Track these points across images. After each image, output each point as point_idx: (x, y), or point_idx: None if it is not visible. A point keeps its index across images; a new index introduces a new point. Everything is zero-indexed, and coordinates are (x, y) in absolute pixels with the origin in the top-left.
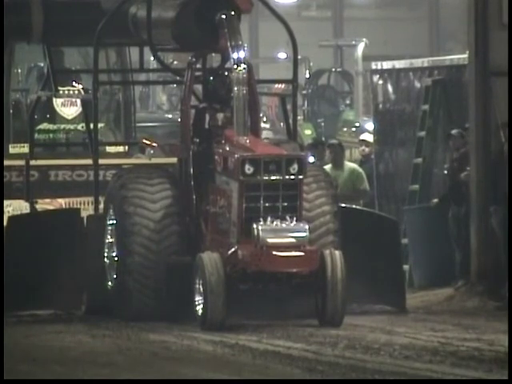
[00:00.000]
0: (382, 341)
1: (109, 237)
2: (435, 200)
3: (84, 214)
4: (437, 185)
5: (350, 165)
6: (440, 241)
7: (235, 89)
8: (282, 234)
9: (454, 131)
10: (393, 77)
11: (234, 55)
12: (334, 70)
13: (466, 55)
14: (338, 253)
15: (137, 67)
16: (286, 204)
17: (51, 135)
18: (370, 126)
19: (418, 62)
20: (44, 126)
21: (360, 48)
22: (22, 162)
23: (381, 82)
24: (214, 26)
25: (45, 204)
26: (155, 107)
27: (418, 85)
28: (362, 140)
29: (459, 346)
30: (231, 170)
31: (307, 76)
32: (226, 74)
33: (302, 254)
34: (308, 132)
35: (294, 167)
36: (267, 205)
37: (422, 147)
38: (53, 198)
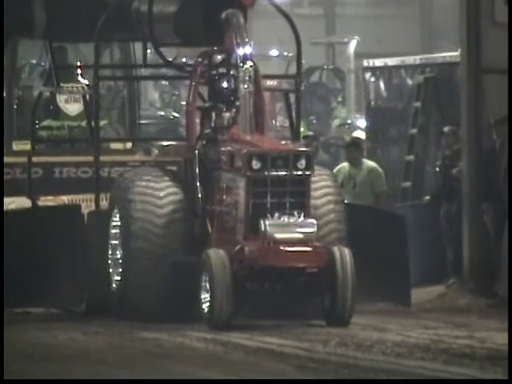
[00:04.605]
0: (374, 338)
1: (113, 238)
2: (427, 197)
3: (87, 210)
4: (429, 182)
5: (368, 163)
6: (432, 238)
7: (241, 86)
8: (290, 229)
9: (446, 128)
10: (385, 74)
11: (240, 52)
12: (326, 67)
13: (457, 53)
14: (347, 250)
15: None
16: (293, 200)
17: (54, 132)
18: (362, 123)
19: (410, 60)
20: (47, 122)
21: (352, 45)
22: (24, 159)
23: (373, 79)
24: (218, 21)
25: (47, 201)
26: (148, 104)
27: (409, 82)
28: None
29: (451, 344)
30: (238, 166)
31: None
32: (232, 73)
33: (310, 249)
34: (301, 129)
35: (302, 163)
36: (274, 201)
37: (414, 144)
38: (57, 195)
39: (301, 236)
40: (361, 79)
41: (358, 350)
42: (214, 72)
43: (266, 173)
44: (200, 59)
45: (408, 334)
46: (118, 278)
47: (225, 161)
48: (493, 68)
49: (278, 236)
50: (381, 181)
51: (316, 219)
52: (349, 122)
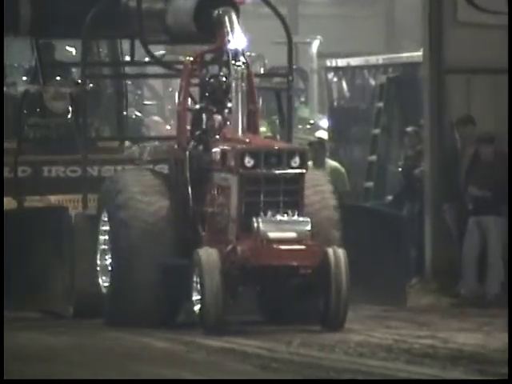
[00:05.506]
0: (336, 338)
1: (101, 243)
2: (390, 197)
3: (75, 211)
4: (391, 182)
5: (331, 163)
6: None
7: (233, 85)
8: (283, 228)
9: (409, 129)
10: (347, 74)
11: (232, 47)
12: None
13: (420, 53)
14: (341, 251)
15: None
16: (286, 199)
17: (41, 130)
18: (324, 123)
19: (373, 60)
20: (34, 120)
21: (315, 45)
22: (11, 158)
23: (335, 79)
24: (208, 19)
25: (33, 201)
26: None
27: (372, 82)
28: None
29: (413, 344)
30: (230, 164)
31: (262, 73)
32: (223, 73)
33: (303, 247)
34: (263, 129)
35: (296, 160)
36: (268, 199)
37: (377, 144)
38: (46, 195)
39: (294, 235)
40: (324, 79)
41: (321, 350)
42: (205, 71)
43: (259, 171)
44: (191, 58)
45: (370, 333)
46: (108, 283)
47: (216, 160)
48: (455, 68)
49: (272, 235)
50: (343, 181)
51: (311, 217)
52: (311, 121)
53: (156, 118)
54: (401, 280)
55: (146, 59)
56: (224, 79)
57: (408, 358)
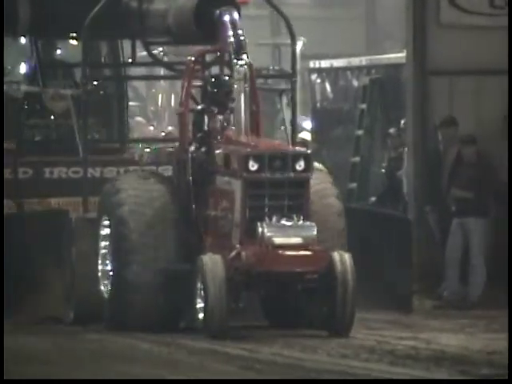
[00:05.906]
0: (319, 339)
1: (102, 247)
2: (373, 198)
3: (75, 214)
4: (374, 183)
5: (314, 164)
6: None
7: (235, 86)
8: (289, 233)
9: (392, 130)
10: (331, 75)
11: (233, 46)
12: (271, 68)
13: (403, 54)
14: (347, 255)
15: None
16: (291, 203)
17: (42, 131)
18: (307, 124)
19: (356, 61)
20: (34, 121)
21: (298, 47)
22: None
23: (319, 80)
24: (210, 19)
25: (33, 204)
26: None
27: (355, 83)
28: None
29: (396, 345)
30: (234, 167)
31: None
32: (225, 74)
33: (309, 253)
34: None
35: (301, 164)
36: (272, 204)
37: (360, 146)
38: (48, 197)
39: (300, 240)
40: (307, 81)
41: (304, 352)
42: (207, 72)
43: (263, 174)
44: (193, 58)
45: (353, 335)
46: (109, 288)
47: (220, 163)
48: (438, 70)
49: (277, 240)
50: None
51: (316, 222)
52: None
53: (139, 118)
54: (405, 284)
55: (134, 59)
56: (226, 79)
57: (391, 359)
